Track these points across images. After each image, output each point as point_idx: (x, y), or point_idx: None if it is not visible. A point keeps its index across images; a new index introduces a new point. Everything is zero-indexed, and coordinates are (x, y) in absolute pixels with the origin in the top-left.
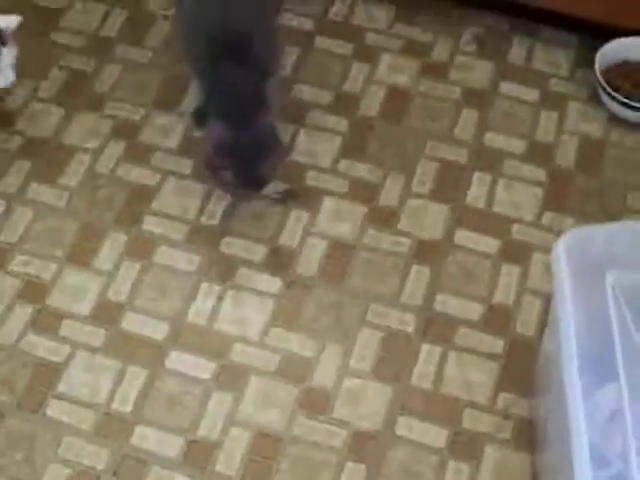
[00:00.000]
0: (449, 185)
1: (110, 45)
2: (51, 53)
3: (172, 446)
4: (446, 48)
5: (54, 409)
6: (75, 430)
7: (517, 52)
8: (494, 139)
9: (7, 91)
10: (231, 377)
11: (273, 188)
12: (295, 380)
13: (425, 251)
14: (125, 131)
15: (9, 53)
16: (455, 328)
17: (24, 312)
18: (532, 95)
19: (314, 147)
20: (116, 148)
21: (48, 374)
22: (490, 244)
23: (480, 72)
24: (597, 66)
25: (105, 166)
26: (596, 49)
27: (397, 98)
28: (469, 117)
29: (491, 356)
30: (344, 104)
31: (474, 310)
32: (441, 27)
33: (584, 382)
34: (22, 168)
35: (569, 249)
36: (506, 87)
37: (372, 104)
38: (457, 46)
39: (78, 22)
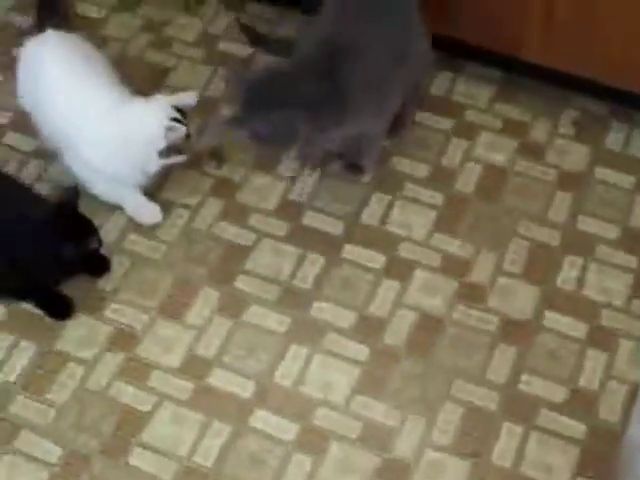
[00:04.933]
0: (540, 266)
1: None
2: None
3: None
4: (544, 129)
5: (137, 457)
6: None
7: (615, 137)
8: (587, 223)
9: None
10: (313, 440)
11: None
12: (376, 449)
13: (513, 330)
14: (224, 190)
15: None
16: (538, 409)
17: (115, 359)
18: (628, 181)
19: (409, 219)
20: (214, 206)
21: (134, 422)
22: (578, 328)
23: (577, 155)
24: None
25: (202, 222)
26: None
27: (493, 176)
28: (563, 199)
29: (572, 440)
30: (441, 179)
31: (558, 392)
32: (540, 108)
33: None
34: (120, 219)
35: None
36: (602, 172)
37: (468, 180)
38: (555, 128)
39: None
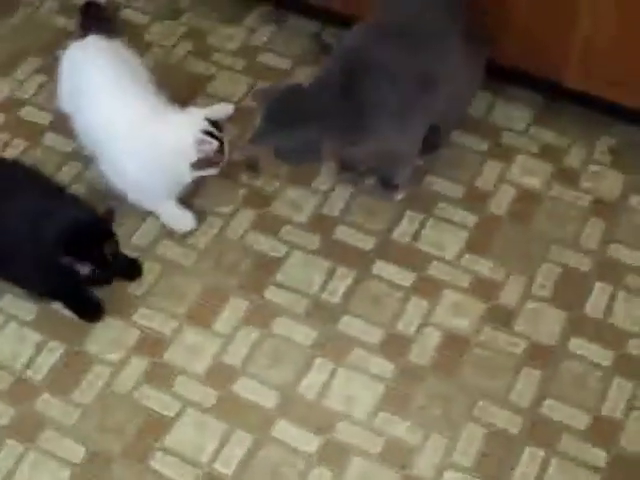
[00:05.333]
0: (569, 291)
1: None
2: None
3: None
4: (580, 155)
5: (158, 462)
6: None
7: None
8: (619, 251)
9: None
10: (333, 454)
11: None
12: (396, 466)
13: (538, 354)
14: (258, 201)
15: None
16: (560, 434)
17: (141, 363)
18: None
19: (440, 238)
20: (247, 216)
21: (157, 427)
22: (604, 355)
23: (612, 182)
24: None
25: (235, 232)
26: None
27: (527, 199)
28: (596, 226)
29: (593, 467)
30: (474, 200)
31: (581, 419)
32: (578, 134)
33: None
34: (153, 225)
35: None
36: (636, 200)
37: (501, 202)
38: (591, 154)
39: None
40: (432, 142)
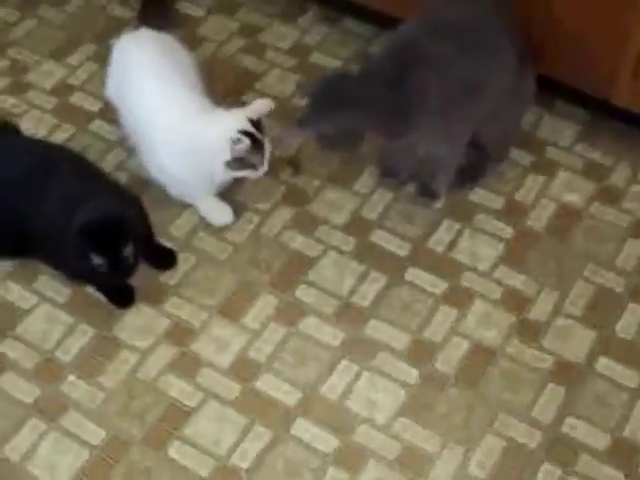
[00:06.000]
0: (601, 311)
1: None
2: None
3: None
4: (624, 174)
5: (176, 450)
6: (191, 475)
7: None
8: None
9: None
10: (350, 456)
11: None
12: (412, 472)
13: (564, 372)
14: (296, 199)
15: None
16: (578, 454)
17: (168, 352)
18: None
19: (476, 249)
20: (285, 214)
21: (178, 416)
22: (631, 377)
23: None
24: None
25: (271, 229)
26: None
27: (566, 216)
28: (634, 247)
29: None
30: (513, 212)
31: (601, 440)
32: (623, 153)
33: None
34: (191, 216)
35: None
36: None
37: (540, 217)
38: (635, 174)
39: None
40: (474, 170)
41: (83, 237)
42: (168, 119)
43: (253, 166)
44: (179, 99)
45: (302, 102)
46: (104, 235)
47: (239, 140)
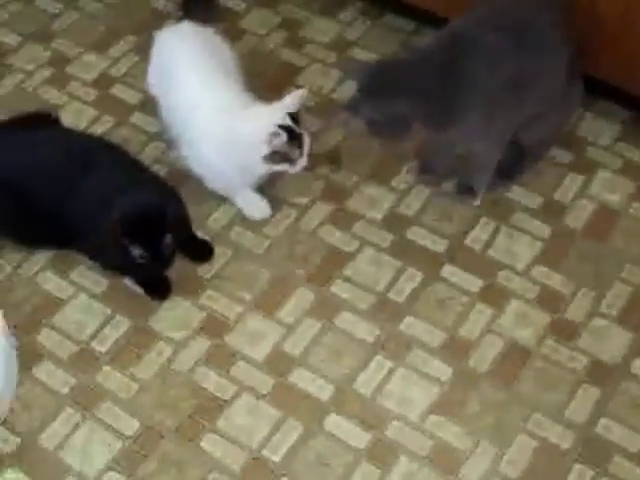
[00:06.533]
0: (638, 312)
1: None
2: None
3: None
4: None
5: (209, 442)
6: (223, 467)
7: None
8: None
9: None
10: (382, 452)
11: None
12: (442, 470)
13: (599, 373)
14: (334, 195)
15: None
16: (611, 456)
17: (203, 344)
18: None
19: (513, 247)
20: (322, 209)
21: (211, 408)
22: None
23: None
24: None
25: (308, 224)
26: None
27: (605, 216)
28: None
29: None
30: (551, 211)
31: (635, 442)
32: None
33: None
34: (229, 210)
35: None
36: None
37: (579, 217)
38: None
39: None
40: (513, 168)
41: (123, 228)
42: (208, 112)
43: (291, 160)
44: (219, 92)
45: (350, 86)
46: (144, 226)
47: (277, 134)
